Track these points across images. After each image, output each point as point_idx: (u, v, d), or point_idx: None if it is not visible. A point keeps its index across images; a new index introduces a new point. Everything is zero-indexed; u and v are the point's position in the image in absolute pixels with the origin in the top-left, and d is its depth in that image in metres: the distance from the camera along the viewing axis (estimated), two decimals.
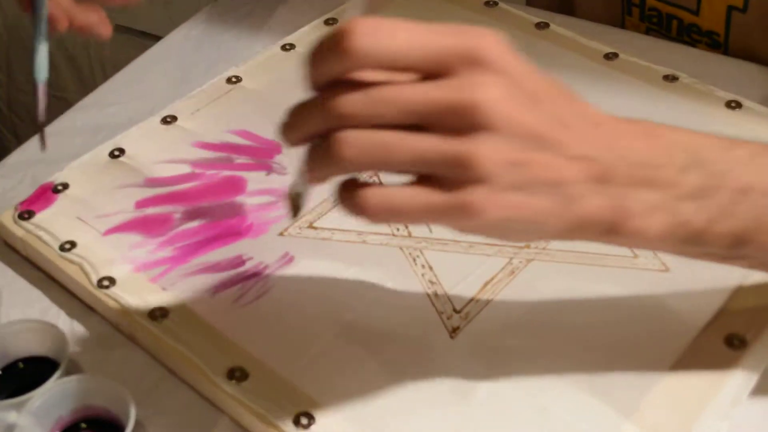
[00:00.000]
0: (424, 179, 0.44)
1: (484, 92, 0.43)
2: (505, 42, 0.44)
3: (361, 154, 0.43)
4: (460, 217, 0.44)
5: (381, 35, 0.43)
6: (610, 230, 0.47)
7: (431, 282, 0.61)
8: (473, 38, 0.44)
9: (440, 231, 0.65)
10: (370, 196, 0.44)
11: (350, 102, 0.43)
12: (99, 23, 0.67)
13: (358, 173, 0.46)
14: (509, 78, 0.44)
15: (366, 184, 0.44)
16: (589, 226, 0.47)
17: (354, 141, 0.43)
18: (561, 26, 0.84)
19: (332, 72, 0.44)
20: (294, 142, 0.47)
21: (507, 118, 0.43)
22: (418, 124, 0.43)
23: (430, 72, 0.44)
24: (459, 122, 0.43)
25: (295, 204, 0.52)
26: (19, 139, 1.62)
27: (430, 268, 0.62)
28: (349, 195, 0.45)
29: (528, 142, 0.44)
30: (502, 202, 0.44)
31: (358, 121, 0.43)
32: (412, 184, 0.45)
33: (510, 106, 0.43)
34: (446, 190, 0.44)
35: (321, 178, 0.47)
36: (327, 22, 0.86)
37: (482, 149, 0.43)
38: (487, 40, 0.44)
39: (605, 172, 0.46)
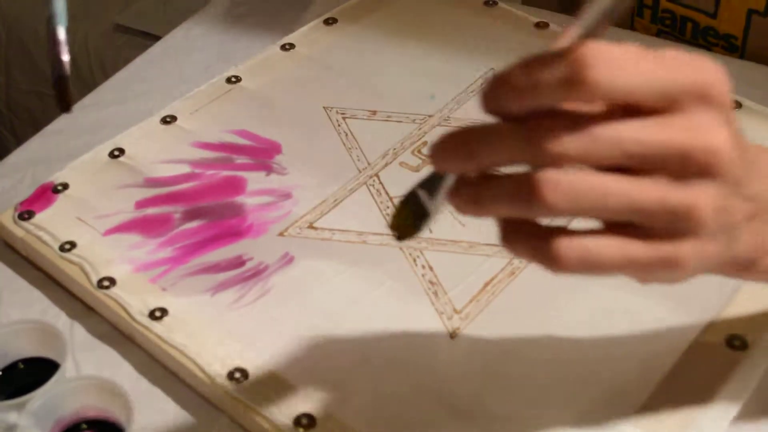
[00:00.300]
0: (619, 227, 0.40)
1: (718, 136, 0.39)
2: (725, 73, 0.40)
3: (570, 200, 0.38)
4: (663, 271, 0.41)
5: (622, 67, 0.38)
6: (747, 267, 0.46)
7: (431, 282, 0.61)
8: (703, 72, 0.39)
9: (440, 231, 0.65)
10: (566, 248, 0.39)
11: (568, 141, 0.38)
12: None
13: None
14: (729, 116, 0.40)
15: (553, 231, 0.40)
16: (735, 263, 0.45)
17: (566, 184, 0.38)
18: (561, 26, 0.84)
19: (550, 100, 0.39)
20: (464, 169, 0.41)
21: (731, 163, 0.40)
22: (631, 167, 0.39)
23: (657, 108, 0.39)
24: (687, 167, 0.39)
25: (418, 209, 0.44)
26: (19, 139, 1.62)
27: (431, 268, 0.62)
28: (534, 241, 0.40)
29: (733, 187, 0.41)
30: (703, 253, 0.41)
31: (572, 162, 0.38)
32: (607, 231, 0.40)
33: (735, 150, 0.40)
34: (652, 241, 0.40)
35: (488, 215, 0.41)
36: (327, 22, 0.86)
37: (703, 198, 0.39)
38: (714, 73, 0.40)
39: (758, 209, 0.43)
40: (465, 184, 0.41)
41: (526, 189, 0.38)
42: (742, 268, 0.46)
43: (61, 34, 0.57)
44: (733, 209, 0.41)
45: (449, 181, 0.42)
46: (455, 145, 0.40)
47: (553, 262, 0.40)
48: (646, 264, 0.40)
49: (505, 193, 0.39)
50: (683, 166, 0.39)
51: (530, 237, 0.40)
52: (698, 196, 0.39)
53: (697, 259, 0.41)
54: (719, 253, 0.42)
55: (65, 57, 0.57)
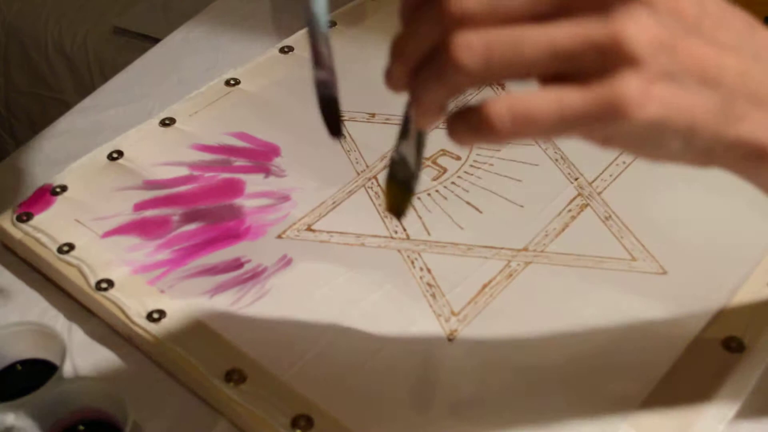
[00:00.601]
0: (555, 80, 0.38)
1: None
2: None
3: (485, 56, 0.37)
4: (608, 117, 0.37)
5: None
6: (761, 156, 0.41)
7: (429, 285, 0.61)
8: None
9: (439, 233, 0.65)
10: (496, 106, 0.38)
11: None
12: None
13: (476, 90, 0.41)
14: None
15: (486, 100, 0.38)
16: (742, 147, 0.41)
17: (476, 41, 0.37)
18: None
19: None
20: (403, 71, 0.41)
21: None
22: (548, 14, 0.38)
23: None
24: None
25: (403, 172, 0.44)
26: (18, 141, 1.62)
27: (429, 270, 0.62)
28: (468, 116, 0.39)
29: (679, 22, 0.38)
30: (658, 93, 0.37)
31: (479, 19, 0.38)
32: (543, 86, 0.38)
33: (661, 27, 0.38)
34: (590, 85, 0.37)
35: (434, 109, 0.41)
36: None
37: (631, 27, 0.37)
38: None
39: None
40: (409, 94, 0.42)
41: (441, 57, 0.38)
42: (755, 156, 0.41)
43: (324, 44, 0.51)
44: (698, 53, 0.38)
45: (413, 127, 0.43)
46: (390, 56, 0.41)
47: (485, 126, 0.38)
48: (585, 111, 0.38)
49: (429, 72, 0.40)
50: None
51: (465, 114, 0.39)
52: (625, 25, 0.37)
53: (651, 101, 0.37)
54: (706, 111, 0.39)
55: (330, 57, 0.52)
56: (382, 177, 0.69)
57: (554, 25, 0.37)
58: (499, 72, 0.38)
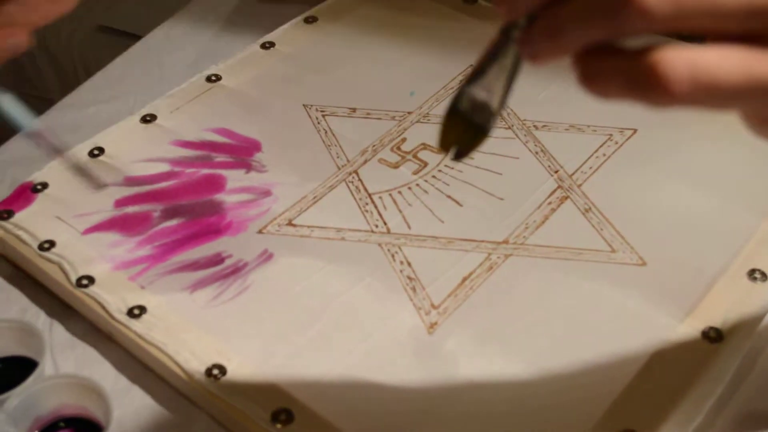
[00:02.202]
0: (735, 40, 0.32)
1: None
2: None
3: (676, 1, 0.31)
4: None
5: None
6: None
7: (409, 278, 0.61)
8: None
9: (419, 227, 0.65)
10: (676, 63, 0.31)
11: None
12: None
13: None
14: None
15: (651, 49, 0.32)
16: None
17: None
18: None
19: None
20: None
21: None
22: None
23: None
24: None
25: (478, 108, 0.37)
26: (2, 140, 1.62)
27: (409, 264, 0.62)
28: (628, 66, 0.32)
29: None
30: None
31: None
32: (723, 45, 0.32)
33: None
34: None
35: (573, 49, 0.33)
36: (307, 20, 0.86)
37: None
38: None
39: None
40: (539, 21, 0.34)
41: None
42: None
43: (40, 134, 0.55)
44: None
45: (508, 58, 0.36)
46: None
47: (658, 85, 0.32)
48: None
49: (593, 6, 0.32)
50: None
51: (621, 62, 0.33)
52: None
53: None
54: None
55: (54, 143, 0.56)
56: (363, 171, 0.69)
57: None
58: (686, 22, 0.32)
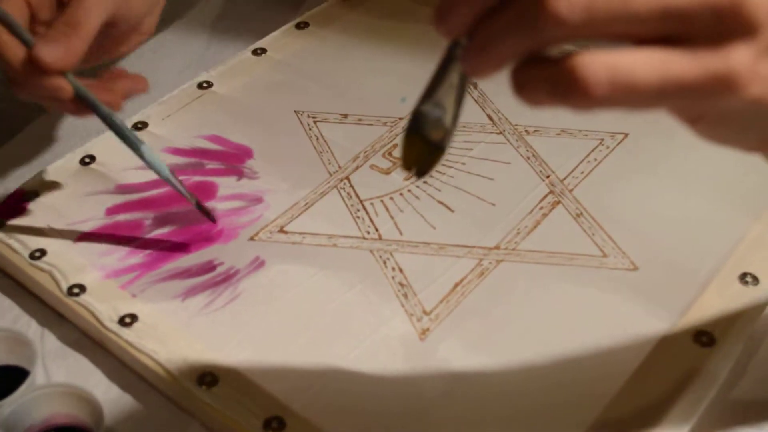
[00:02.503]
0: (651, 43, 0.33)
1: None
2: None
3: (587, 7, 0.32)
4: (714, 92, 0.34)
5: None
6: None
7: (401, 284, 0.61)
8: None
9: (411, 233, 0.65)
10: (593, 66, 0.32)
11: None
12: (134, 82, 0.66)
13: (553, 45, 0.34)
14: None
15: (572, 54, 0.33)
16: None
17: None
18: None
19: None
20: (469, 13, 0.35)
21: None
22: None
23: None
24: None
25: (432, 126, 0.39)
26: None
27: (401, 270, 0.62)
28: (551, 73, 0.33)
29: None
30: (762, 69, 0.34)
31: None
32: (638, 47, 0.33)
33: None
34: (698, 52, 0.33)
35: (502, 62, 0.35)
36: (298, 26, 0.86)
37: None
38: None
39: None
40: (472, 38, 0.35)
41: (532, 6, 0.33)
42: None
43: (174, 181, 0.62)
44: None
45: (453, 76, 0.38)
46: None
47: (578, 89, 0.33)
48: (692, 82, 0.33)
49: (511, 20, 0.34)
50: None
51: (545, 70, 0.34)
52: None
53: (757, 77, 0.34)
54: None
55: (185, 191, 0.62)
56: (355, 178, 0.69)
57: None
58: (599, 28, 0.33)
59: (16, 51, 0.58)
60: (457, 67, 0.38)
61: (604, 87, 0.33)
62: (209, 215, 0.64)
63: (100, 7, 0.60)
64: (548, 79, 0.34)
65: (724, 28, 0.33)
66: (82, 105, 0.60)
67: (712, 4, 0.33)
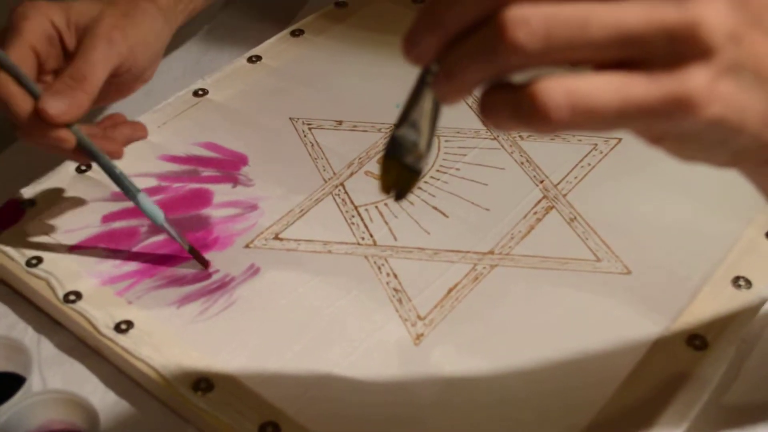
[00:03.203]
0: (611, 67, 0.34)
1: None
2: None
3: (544, 36, 0.33)
4: (673, 114, 0.34)
5: None
6: None
7: (396, 290, 0.62)
8: None
9: (405, 239, 0.65)
10: (552, 91, 0.33)
11: None
12: (134, 129, 0.68)
13: (520, 70, 0.35)
14: None
15: (534, 81, 0.34)
16: None
17: (535, 18, 0.33)
18: None
19: None
20: (436, 42, 0.36)
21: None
22: None
23: None
24: None
25: (409, 149, 0.40)
26: None
27: (395, 276, 0.63)
28: (513, 98, 0.34)
29: (746, 12, 0.35)
30: (722, 90, 0.35)
31: None
32: (598, 72, 0.34)
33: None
34: (655, 75, 0.34)
35: (469, 89, 0.36)
36: (293, 34, 0.87)
37: (709, 13, 0.33)
38: None
39: None
40: (441, 66, 0.37)
41: (492, 34, 0.34)
42: None
43: (168, 228, 0.62)
44: (754, 45, 0.35)
45: (427, 101, 0.39)
46: (421, 19, 0.36)
47: (538, 114, 0.34)
48: (650, 105, 0.34)
49: (473, 48, 0.35)
50: None
51: (508, 95, 0.35)
52: (703, 10, 0.33)
53: (716, 98, 0.34)
54: (755, 113, 0.36)
55: (179, 237, 0.63)
56: (350, 184, 0.70)
57: (623, 5, 0.33)
58: (558, 55, 0.34)
59: (23, 102, 0.59)
60: (430, 92, 0.39)
61: (564, 111, 0.34)
62: (203, 261, 0.64)
63: (106, 62, 0.62)
64: (511, 104, 0.35)
65: (680, 51, 0.34)
66: (84, 153, 0.61)
67: (667, 28, 0.33)
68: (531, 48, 0.33)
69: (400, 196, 0.43)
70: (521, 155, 0.72)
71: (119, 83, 0.68)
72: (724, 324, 0.58)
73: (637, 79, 0.34)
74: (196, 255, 0.63)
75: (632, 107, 0.34)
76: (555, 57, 0.34)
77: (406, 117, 0.40)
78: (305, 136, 0.75)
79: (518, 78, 0.35)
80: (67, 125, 0.60)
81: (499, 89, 0.35)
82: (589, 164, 0.71)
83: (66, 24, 0.64)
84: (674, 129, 0.36)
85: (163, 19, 0.71)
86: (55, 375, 0.59)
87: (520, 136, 0.74)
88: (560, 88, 0.34)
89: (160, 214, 0.62)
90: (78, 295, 0.61)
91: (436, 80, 0.37)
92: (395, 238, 0.65)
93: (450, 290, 0.61)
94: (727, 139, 0.37)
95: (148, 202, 0.62)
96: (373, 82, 0.80)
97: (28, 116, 0.59)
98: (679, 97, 0.34)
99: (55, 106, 0.59)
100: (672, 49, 0.34)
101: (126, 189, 0.62)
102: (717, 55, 0.34)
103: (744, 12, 0.35)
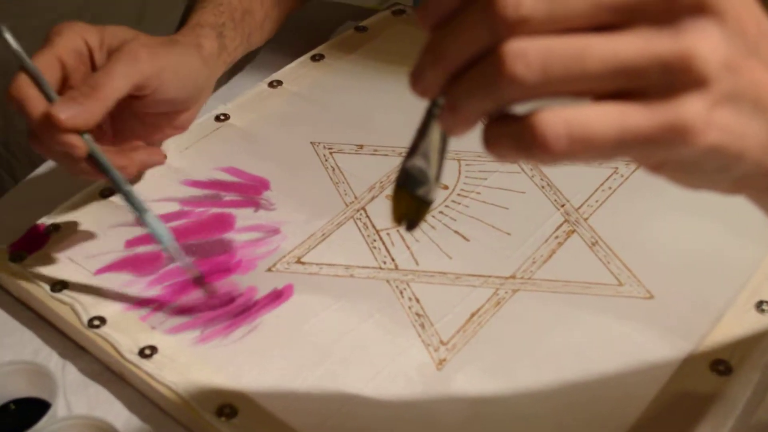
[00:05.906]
0: (609, 98, 0.35)
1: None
2: None
3: (542, 69, 0.34)
4: (670, 142, 0.35)
5: None
6: None
7: (418, 315, 0.62)
8: None
9: (427, 263, 0.65)
10: (552, 122, 0.34)
11: (528, 1, 0.34)
12: (150, 154, 0.68)
13: (521, 102, 0.36)
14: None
15: (534, 112, 0.35)
16: None
17: (533, 51, 0.34)
18: None
19: None
20: (440, 76, 0.37)
21: (735, 9, 0.35)
22: (609, 24, 0.35)
23: None
24: (675, 5, 0.34)
25: (418, 180, 0.41)
26: (17, 180, 1.62)
27: (417, 300, 0.63)
28: (514, 129, 0.35)
29: (743, 41, 0.36)
30: (719, 118, 0.35)
31: (537, 25, 0.34)
32: (596, 103, 0.35)
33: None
34: (652, 105, 0.34)
35: (473, 120, 0.37)
36: (314, 59, 0.87)
37: (703, 44, 0.34)
38: None
39: None
40: (445, 100, 0.38)
41: (491, 67, 0.35)
42: None
43: (173, 251, 0.62)
44: (752, 73, 0.36)
45: (435, 133, 0.40)
46: (425, 54, 0.37)
47: (538, 144, 0.34)
48: (648, 134, 0.35)
49: (474, 81, 0.36)
50: (668, 5, 0.34)
51: (509, 126, 0.36)
52: (696, 41, 0.34)
53: (713, 126, 0.35)
54: (754, 140, 0.37)
55: (186, 260, 0.63)
56: (371, 208, 0.70)
57: (618, 37, 0.34)
58: (556, 87, 0.35)
59: (37, 105, 0.60)
60: (437, 125, 0.40)
61: (563, 142, 0.34)
62: (208, 289, 0.64)
63: (126, 76, 0.63)
64: (511, 136, 0.35)
65: (676, 81, 0.34)
66: (95, 167, 0.62)
67: (662, 60, 0.34)
68: (529, 80, 0.34)
69: (411, 226, 0.44)
70: (542, 179, 0.72)
71: (149, 119, 0.68)
72: (748, 348, 0.58)
73: (634, 109, 0.35)
74: (202, 284, 0.64)
75: (629, 135, 0.35)
76: (554, 89, 0.35)
77: (415, 148, 0.41)
78: (326, 160, 0.75)
79: (521, 109, 0.36)
80: (79, 133, 0.60)
81: (500, 121, 0.36)
82: (610, 188, 0.71)
83: (99, 44, 0.64)
84: (673, 157, 0.37)
85: (202, 61, 0.72)
86: (79, 400, 0.59)
87: None
88: (559, 118, 0.34)
89: (166, 234, 0.61)
90: (102, 320, 0.62)
91: (442, 113, 0.38)
92: (417, 263, 0.65)
93: (473, 315, 0.61)
94: (727, 167, 0.38)
95: (157, 222, 0.62)
96: (394, 105, 0.81)
97: (40, 119, 0.60)
98: (675, 125, 0.35)
99: (65, 111, 0.59)
100: (667, 79, 0.34)
101: (135, 206, 0.62)
102: (712, 85, 0.35)
103: (740, 41, 0.36)
